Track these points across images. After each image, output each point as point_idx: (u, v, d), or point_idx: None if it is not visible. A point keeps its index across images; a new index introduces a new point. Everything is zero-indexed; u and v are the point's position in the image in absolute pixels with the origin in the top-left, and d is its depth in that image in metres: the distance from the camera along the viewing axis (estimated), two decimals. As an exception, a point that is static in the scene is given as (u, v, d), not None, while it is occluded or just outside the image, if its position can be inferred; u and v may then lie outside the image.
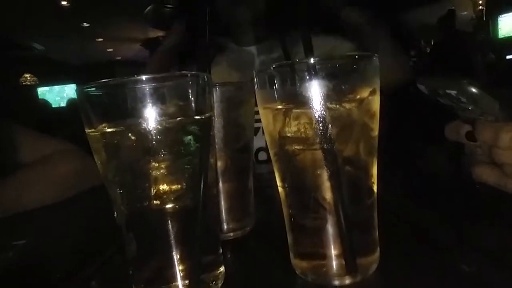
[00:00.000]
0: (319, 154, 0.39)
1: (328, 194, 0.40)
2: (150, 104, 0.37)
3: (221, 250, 0.46)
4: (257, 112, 0.48)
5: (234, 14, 1.37)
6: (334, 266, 0.42)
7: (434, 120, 0.67)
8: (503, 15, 7.43)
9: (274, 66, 0.41)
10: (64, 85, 11.26)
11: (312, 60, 0.38)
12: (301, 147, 0.41)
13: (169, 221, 0.40)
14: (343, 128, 0.40)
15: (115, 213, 0.42)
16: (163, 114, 0.38)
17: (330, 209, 0.41)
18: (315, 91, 0.38)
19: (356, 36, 1.28)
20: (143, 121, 0.37)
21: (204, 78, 0.41)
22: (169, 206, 0.40)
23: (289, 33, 0.91)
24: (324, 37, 1.30)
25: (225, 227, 0.60)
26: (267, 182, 0.74)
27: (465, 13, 8.50)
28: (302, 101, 0.39)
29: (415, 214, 0.62)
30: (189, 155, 0.40)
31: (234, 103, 0.57)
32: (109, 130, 0.39)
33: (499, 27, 7.50)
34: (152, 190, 0.40)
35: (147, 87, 0.37)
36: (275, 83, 0.41)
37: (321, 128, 0.38)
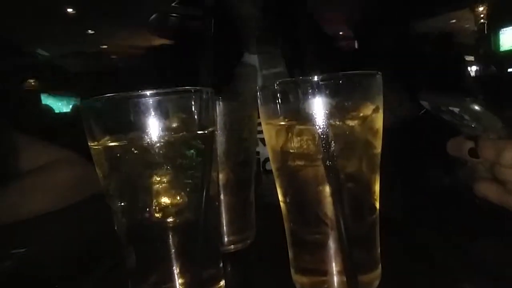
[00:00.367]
0: (322, 170, 0.39)
1: (330, 210, 0.40)
2: (153, 119, 0.37)
3: (221, 264, 0.46)
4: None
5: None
6: (335, 283, 0.42)
7: (436, 136, 0.67)
8: (504, 29, 7.48)
9: (277, 82, 0.41)
10: (65, 91, 11.31)
11: (315, 77, 0.38)
12: (303, 163, 0.41)
13: (170, 235, 0.40)
14: (346, 145, 0.40)
15: (116, 225, 0.42)
16: (166, 129, 0.38)
17: (331, 225, 0.41)
18: (318, 108, 0.38)
19: None
20: (146, 135, 0.38)
21: (207, 93, 0.41)
22: (170, 219, 0.40)
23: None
24: None
25: (226, 239, 0.60)
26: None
27: (467, 26, 8.57)
28: (305, 118, 0.39)
29: (416, 231, 0.61)
30: (191, 169, 0.40)
31: (236, 117, 0.57)
32: (112, 143, 0.39)
33: (500, 41, 7.55)
34: (153, 203, 0.40)
35: (150, 102, 0.37)
36: (278, 99, 0.41)
37: (323, 144, 0.38)
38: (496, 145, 0.49)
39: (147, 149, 0.38)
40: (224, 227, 0.60)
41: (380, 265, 0.44)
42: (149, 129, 0.37)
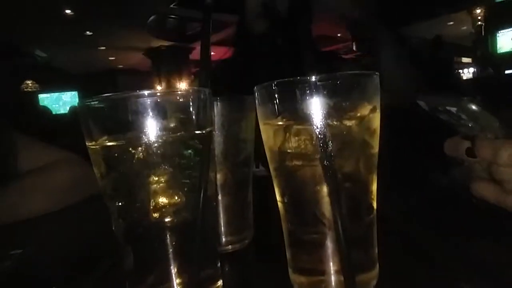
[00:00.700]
0: (319, 170, 0.39)
1: (327, 210, 0.40)
2: (151, 119, 0.38)
3: (219, 264, 0.46)
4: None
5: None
6: (333, 282, 0.42)
7: (433, 136, 0.68)
8: (501, 31, 7.53)
9: (275, 82, 0.41)
10: (63, 93, 11.32)
11: (313, 77, 0.38)
12: (301, 163, 0.41)
13: (168, 234, 0.40)
14: (343, 145, 0.40)
15: (113, 225, 0.42)
16: (164, 129, 0.38)
17: (329, 225, 0.41)
18: (316, 108, 0.38)
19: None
20: (143, 135, 0.38)
21: (205, 93, 0.41)
22: (168, 219, 0.40)
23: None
24: None
25: (224, 240, 0.60)
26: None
27: (464, 28, 8.61)
28: (302, 118, 0.39)
29: (413, 231, 0.61)
30: (189, 169, 0.40)
31: (234, 117, 0.58)
32: (109, 143, 0.39)
33: (497, 43, 7.59)
34: (151, 203, 0.40)
35: (148, 102, 0.37)
36: (276, 99, 0.41)
37: (321, 144, 0.38)
38: (493, 144, 0.49)
39: (145, 149, 0.38)
40: (222, 227, 0.60)
41: (378, 264, 0.44)
42: (147, 129, 0.38)
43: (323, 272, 0.42)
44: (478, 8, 7.80)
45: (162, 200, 0.40)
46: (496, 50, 7.60)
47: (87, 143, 0.40)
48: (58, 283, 0.53)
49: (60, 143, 1.18)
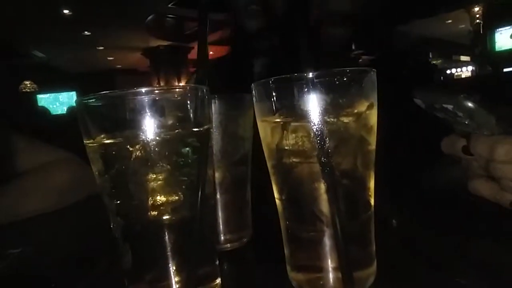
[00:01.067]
0: (317, 167, 0.39)
1: (325, 207, 0.40)
2: (149, 116, 0.37)
3: (217, 262, 0.46)
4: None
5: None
6: (331, 279, 0.42)
7: (430, 134, 0.68)
8: (500, 29, 7.54)
9: (272, 79, 0.41)
10: (61, 93, 11.32)
11: (310, 74, 0.38)
12: (298, 160, 0.41)
13: (166, 233, 0.40)
14: (341, 141, 0.40)
15: (112, 223, 0.42)
16: (161, 126, 0.38)
17: (327, 222, 0.41)
18: (313, 105, 0.38)
19: None
20: (141, 133, 0.38)
21: (203, 91, 0.41)
22: (166, 217, 0.40)
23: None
24: None
25: (222, 238, 0.60)
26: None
27: (463, 26, 8.62)
28: (300, 115, 0.39)
29: (411, 228, 0.62)
30: (187, 167, 0.40)
31: (232, 115, 0.58)
32: (107, 141, 0.39)
33: (496, 41, 7.60)
34: (149, 201, 0.40)
35: (146, 99, 0.37)
36: (273, 96, 0.41)
37: (318, 141, 0.38)
38: (488, 141, 0.49)
39: (143, 146, 0.38)
40: (221, 226, 0.60)
41: (375, 261, 0.44)
42: (144, 126, 0.38)
43: (321, 269, 0.42)
44: (476, 6, 7.81)
45: (160, 198, 0.40)
46: (495, 48, 7.61)
47: (84, 141, 0.40)
48: (56, 283, 0.53)
49: (58, 143, 1.18)
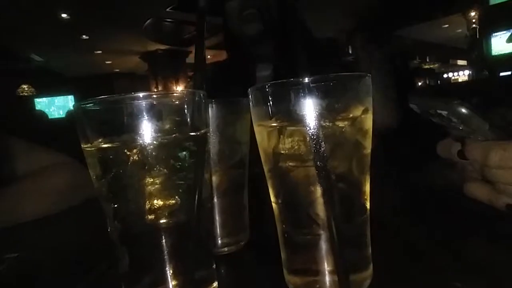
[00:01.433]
0: (313, 171, 0.39)
1: (321, 211, 0.41)
2: (146, 121, 0.38)
3: (214, 265, 0.46)
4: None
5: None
6: (327, 282, 0.42)
7: (426, 137, 0.68)
8: (496, 34, 7.58)
9: (268, 84, 0.42)
10: (60, 97, 11.32)
11: (306, 79, 0.39)
12: (294, 164, 0.42)
13: (163, 236, 0.41)
14: (336, 145, 0.40)
15: (109, 227, 0.42)
16: (159, 131, 0.38)
17: (323, 225, 0.41)
18: (309, 109, 0.39)
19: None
20: (139, 137, 0.38)
21: (200, 95, 0.42)
22: (163, 221, 0.40)
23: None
24: None
25: (220, 242, 0.60)
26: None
27: (459, 30, 8.68)
28: (296, 119, 0.39)
29: (407, 231, 0.62)
30: (184, 171, 0.40)
31: (229, 119, 0.58)
32: (105, 145, 0.39)
33: (492, 45, 7.64)
34: (146, 205, 0.40)
35: (143, 104, 0.38)
36: (269, 101, 0.42)
37: (314, 145, 0.39)
38: (482, 146, 0.50)
39: (140, 150, 0.38)
40: (218, 229, 0.60)
41: (372, 264, 0.45)
42: (142, 130, 0.38)
43: (317, 273, 0.43)
44: (473, 11, 7.87)
45: (157, 202, 0.40)
46: (491, 52, 7.66)
47: (82, 145, 0.41)
48: (53, 286, 0.53)
49: (56, 147, 1.18)
